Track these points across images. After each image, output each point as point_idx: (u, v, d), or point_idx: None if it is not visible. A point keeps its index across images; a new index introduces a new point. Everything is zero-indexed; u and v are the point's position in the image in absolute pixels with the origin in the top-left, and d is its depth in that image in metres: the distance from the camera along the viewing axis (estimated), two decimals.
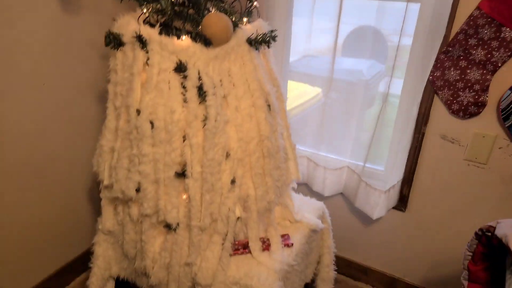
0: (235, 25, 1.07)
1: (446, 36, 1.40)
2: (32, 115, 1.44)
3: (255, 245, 1.20)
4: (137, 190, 1.13)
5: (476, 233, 0.92)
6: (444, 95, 1.46)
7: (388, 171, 1.65)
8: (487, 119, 1.44)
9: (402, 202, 1.72)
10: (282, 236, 1.29)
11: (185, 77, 1.02)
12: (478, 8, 1.30)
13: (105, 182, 1.21)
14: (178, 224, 1.13)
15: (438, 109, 1.51)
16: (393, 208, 1.75)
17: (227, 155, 1.09)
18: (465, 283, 1.00)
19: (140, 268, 1.27)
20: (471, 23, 1.32)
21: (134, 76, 1.03)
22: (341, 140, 1.73)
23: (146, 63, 1.04)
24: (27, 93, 1.39)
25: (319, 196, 1.80)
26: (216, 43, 1.03)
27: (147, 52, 1.02)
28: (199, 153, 1.05)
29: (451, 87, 1.43)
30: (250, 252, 1.21)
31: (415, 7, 1.39)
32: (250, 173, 1.14)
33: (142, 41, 1.01)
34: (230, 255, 1.17)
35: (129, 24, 1.03)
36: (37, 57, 1.37)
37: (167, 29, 1.04)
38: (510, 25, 1.26)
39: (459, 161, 1.55)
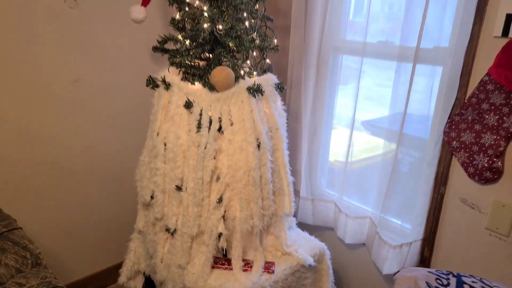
0: (238, 76, 1.34)
1: (459, 99, 1.41)
2: (95, 127, 1.91)
3: (236, 263, 1.37)
4: (152, 197, 1.44)
5: None
6: (461, 157, 1.44)
7: (402, 226, 1.63)
8: (508, 187, 1.36)
9: (423, 264, 1.66)
10: (268, 262, 1.42)
11: (191, 112, 1.32)
12: (487, 74, 1.30)
13: (138, 189, 1.56)
14: (175, 229, 1.39)
15: (458, 170, 1.48)
16: None
17: (218, 178, 1.32)
18: None
19: (153, 265, 1.55)
20: (482, 88, 1.33)
21: (158, 109, 1.38)
22: (365, 190, 1.79)
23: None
24: (91, 104, 1.85)
25: (342, 243, 1.86)
26: (218, 89, 1.31)
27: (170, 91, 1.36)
28: (193, 173, 1.31)
29: (467, 150, 1.41)
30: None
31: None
32: (238, 197, 1.34)
33: (166, 84, 1.35)
34: (212, 266, 1.37)
35: (162, 73, 1.39)
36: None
37: (188, 76, 1.37)
38: None
39: (481, 230, 1.46)
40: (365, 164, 1.89)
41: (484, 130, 1.36)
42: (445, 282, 0.87)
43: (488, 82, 1.31)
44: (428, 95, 1.51)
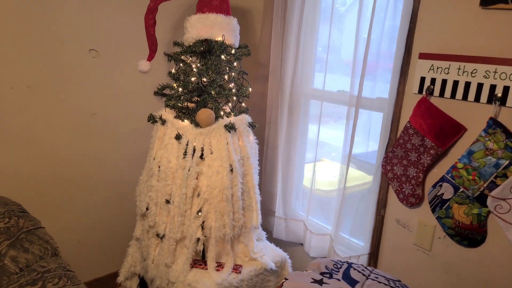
0: (218, 116, 1.75)
1: (392, 139, 1.79)
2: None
3: (211, 264, 1.72)
4: (147, 209, 1.82)
5: None
6: (394, 185, 1.80)
7: (356, 243, 1.98)
8: (428, 210, 1.71)
9: None
10: (237, 265, 1.77)
11: (180, 143, 1.72)
12: (409, 121, 1.69)
13: (137, 203, 1.94)
14: (164, 235, 1.75)
15: (393, 196, 1.84)
16: None
17: (198, 194, 1.70)
18: None
19: (146, 266, 1.91)
20: (405, 132, 1.71)
21: (155, 139, 1.78)
22: (327, 210, 2.15)
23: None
24: (105, 133, 2.27)
25: (309, 256, 2.20)
26: (202, 125, 1.72)
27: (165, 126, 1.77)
28: (179, 189, 1.69)
29: (398, 180, 1.78)
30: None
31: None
32: (213, 210, 1.71)
33: (162, 121, 1.76)
34: (191, 265, 1.72)
35: (160, 111, 1.81)
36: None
37: (180, 114, 1.78)
38: (428, 136, 1.62)
39: (411, 245, 1.80)
40: (331, 190, 2.24)
41: (409, 165, 1.73)
42: (339, 266, 1.21)
43: (409, 127, 1.69)
44: (372, 136, 1.90)
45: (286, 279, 1.13)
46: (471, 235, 1.54)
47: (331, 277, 1.11)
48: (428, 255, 1.73)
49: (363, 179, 2.04)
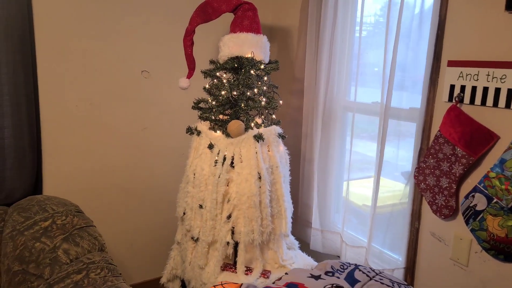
0: (248, 127, 1.85)
1: (423, 149, 1.75)
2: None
3: (240, 268, 1.80)
4: (184, 213, 1.96)
5: None
6: (427, 197, 1.75)
7: (391, 256, 1.94)
8: (462, 222, 1.63)
9: None
10: (266, 270, 1.83)
11: (212, 152, 1.85)
12: (439, 130, 1.65)
13: (177, 208, 2.09)
14: (198, 238, 1.88)
15: (427, 207, 1.78)
16: None
17: (228, 200, 1.80)
18: None
19: (184, 268, 2.04)
20: (436, 141, 1.67)
21: (192, 149, 1.93)
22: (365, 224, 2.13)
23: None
24: (154, 146, 2.48)
25: None
26: (232, 136, 1.83)
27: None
28: (210, 195, 1.81)
29: (431, 191, 1.73)
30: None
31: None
32: (242, 216, 1.80)
33: (198, 132, 1.92)
34: (221, 268, 1.81)
35: (197, 123, 1.97)
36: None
37: (214, 126, 1.92)
38: (459, 145, 1.57)
39: (447, 260, 1.73)
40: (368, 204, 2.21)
41: (441, 175, 1.67)
42: (346, 267, 1.20)
43: (439, 136, 1.65)
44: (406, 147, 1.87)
45: (286, 273, 1.17)
46: (507, 249, 1.45)
47: (332, 275, 1.13)
48: (465, 270, 1.64)
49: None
